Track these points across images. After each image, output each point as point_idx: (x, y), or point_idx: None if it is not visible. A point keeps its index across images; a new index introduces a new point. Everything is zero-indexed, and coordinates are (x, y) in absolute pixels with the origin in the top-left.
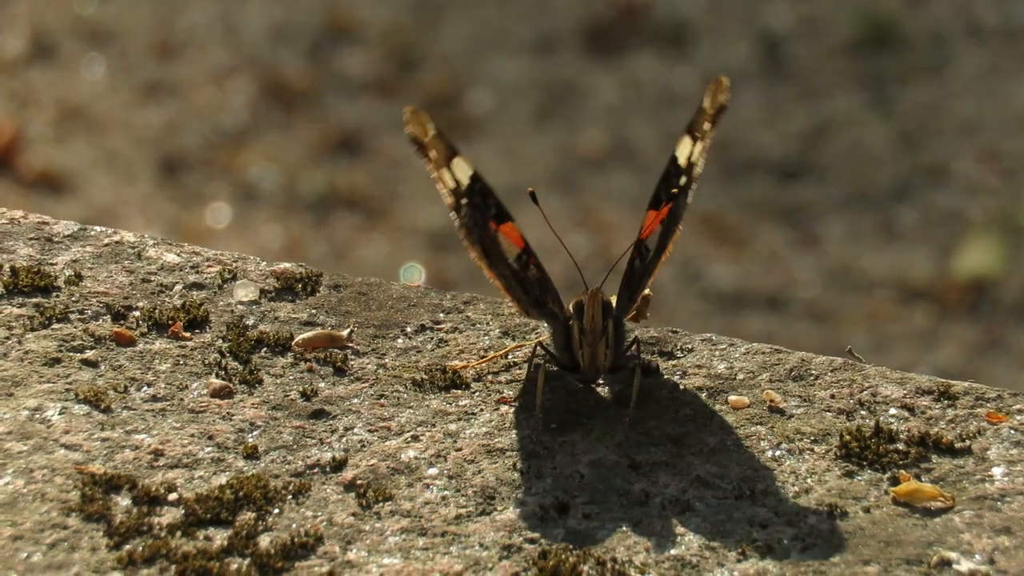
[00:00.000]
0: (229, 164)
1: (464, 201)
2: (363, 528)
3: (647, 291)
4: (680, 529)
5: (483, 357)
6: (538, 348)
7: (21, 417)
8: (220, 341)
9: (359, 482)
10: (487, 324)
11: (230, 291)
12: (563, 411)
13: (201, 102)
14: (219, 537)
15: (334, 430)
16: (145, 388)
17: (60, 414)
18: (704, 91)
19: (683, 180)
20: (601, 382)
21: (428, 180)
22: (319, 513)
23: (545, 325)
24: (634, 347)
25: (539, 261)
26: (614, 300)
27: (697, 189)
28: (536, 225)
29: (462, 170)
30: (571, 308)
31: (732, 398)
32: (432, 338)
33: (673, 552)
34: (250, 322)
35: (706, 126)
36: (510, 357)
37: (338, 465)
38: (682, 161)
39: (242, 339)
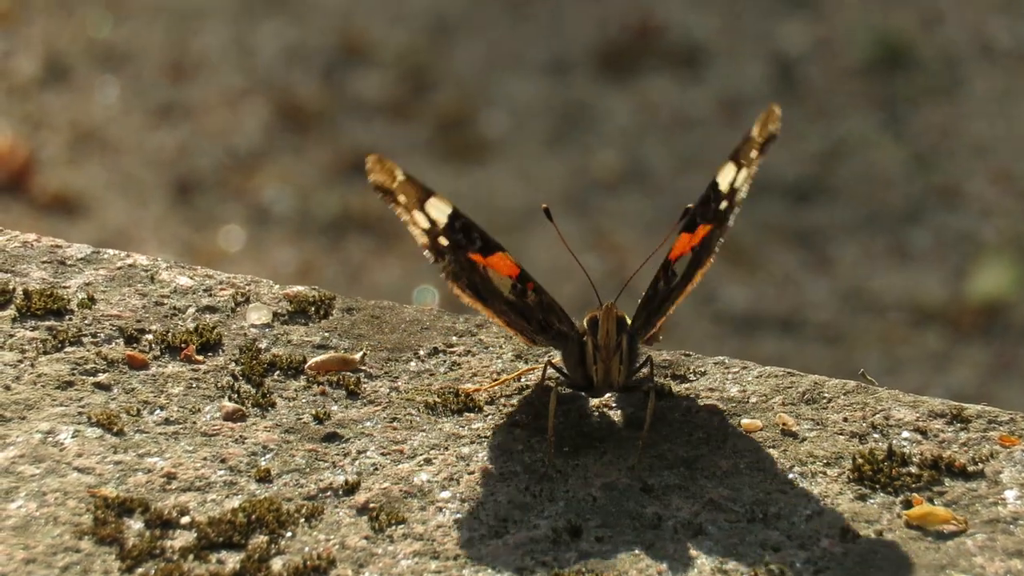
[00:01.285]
0: (242, 187)
1: (442, 241)
2: (375, 551)
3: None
4: (693, 552)
5: (495, 380)
6: (549, 369)
7: (34, 440)
8: (233, 364)
9: (372, 505)
10: (500, 347)
11: (243, 314)
12: (575, 434)
13: (215, 124)
14: (231, 560)
15: (347, 453)
16: (158, 411)
17: (73, 437)
18: (755, 120)
19: (723, 204)
20: (613, 405)
21: None
22: (332, 536)
23: (554, 350)
24: (647, 367)
25: (538, 284)
26: (628, 317)
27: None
28: (547, 246)
29: (439, 209)
30: (585, 324)
31: (745, 421)
32: (445, 361)
33: (686, 575)
34: (263, 345)
35: (753, 154)
36: (523, 380)
37: (351, 488)
38: (723, 187)
39: (255, 362)
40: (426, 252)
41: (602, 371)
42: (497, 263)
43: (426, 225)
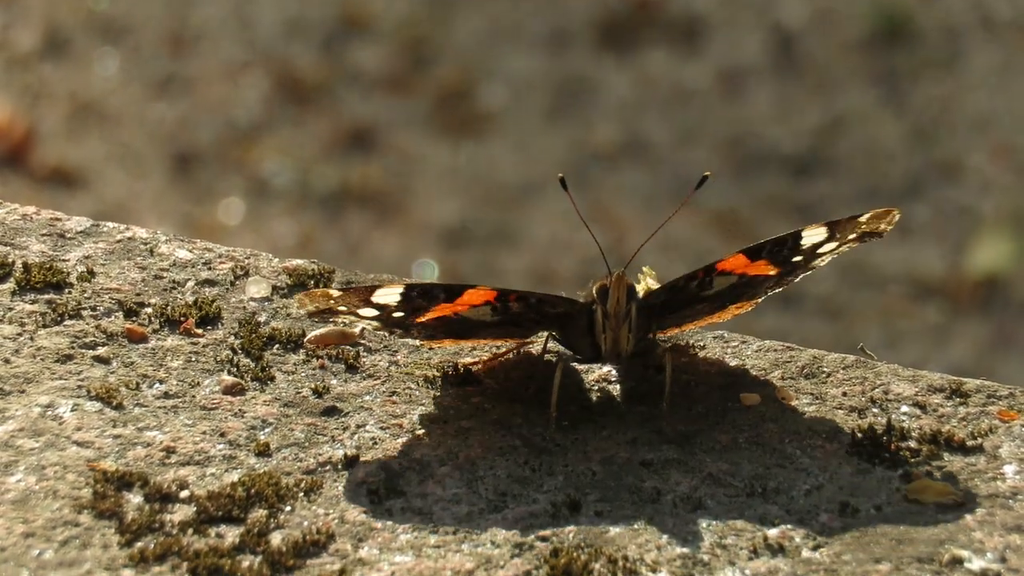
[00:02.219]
0: (242, 159)
1: (397, 315)
2: (375, 526)
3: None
4: (692, 527)
5: (494, 354)
6: (552, 341)
7: (33, 414)
8: (232, 338)
9: (371, 479)
10: None
11: (242, 287)
12: (574, 408)
13: (214, 97)
14: (231, 534)
15: (346, 427)
16: (157, 385)
17: (72, 411)
18: (870, 214)
19: (797, 258)
20: (612, 379)
21: (442, 176)
22: (331, 511)
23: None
24: (652, 334)
25: (520, 292)
26: (643, 285)
27: (706, 186)
28: (545, 220)
29: (387, 296)
30: (594, 292)
31: (744, 395)
32: None
33: (684, 550)
34: (262, 319)
35: (851, 235)
36: (522, 352)
37: (350, 462)
38: (806, 243)
39: (254, 336)
40: (384, 332)
41: (611, 339)
42: (469, 299)
43: (374, 314)
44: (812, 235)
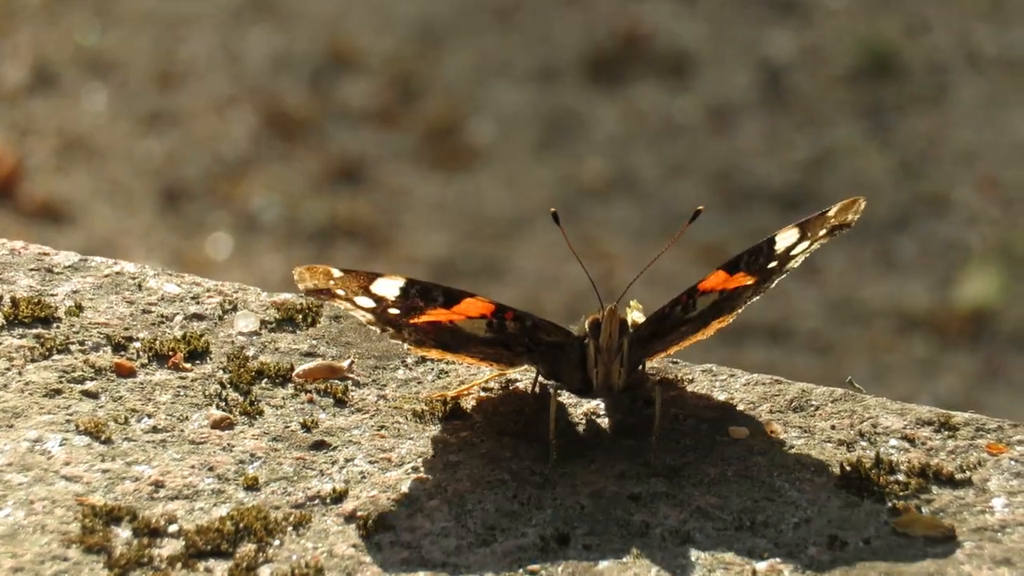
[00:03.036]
0: (230, 194)
1: (392, 312)
2: (363, 560)
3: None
4: (680, 560)
5: (460, 386)
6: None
7: (21, 448)
8: (221, 372)
9: (360, 513)
10: None
11: (231, 322)
12: (563, 442)
13: (202, 132)
14: (219, 569)
15: (335, 461)
16: (146, 419)
17: (60, 445)
18: (838, 205)
19: (772, 264)
20: (601, 412)
21: (430, 210)
22: (320, 545)
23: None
24: (642, 368)
25: (518, 311)
26: (629, 319)
27: (702, 222)
28: (534, 255)
29: (387, 287)
30: (586, 326)
31: (732, 429)
32: (432, 369)
33: None
34: (251, 353)
35: (821, 232)
36: (510, 387)
37: (339, 496)
38: (779, 248)
39: (243, 370)
40: (376, 329)
41: (602, 373)
42: (467, 309)
43: (370, 305)
44: (785, 238)
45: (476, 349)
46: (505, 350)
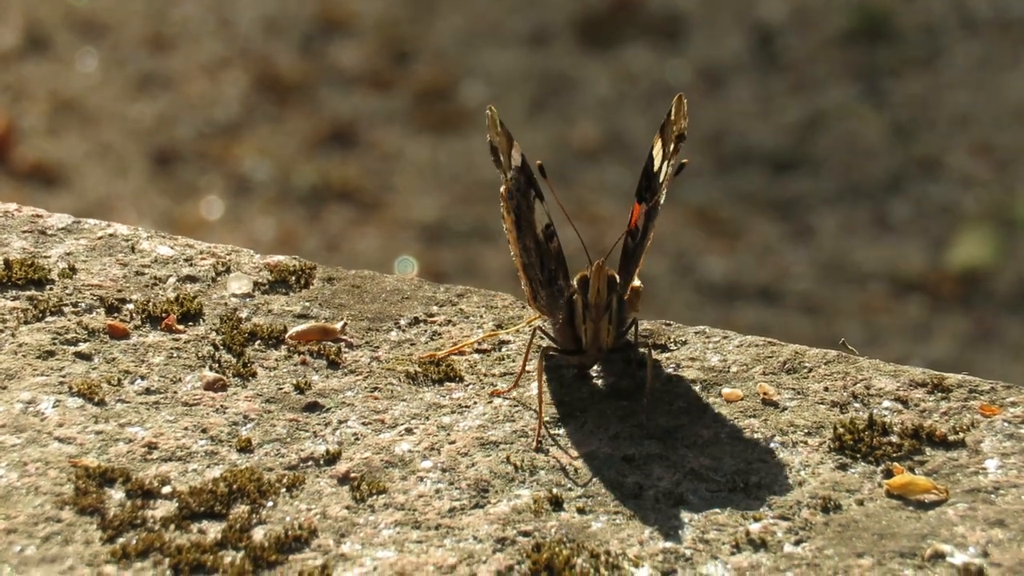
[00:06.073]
0: (222, 157)
1: (515, 157)
2: (357, 521)
3: (638, 283)
4: (674, 522)
5: (454, 345)
6: (538, 333)
7: (15, 410)
8: (214, 334)
9: (353, 475)
10: (480, 317)
11: (224, 284)
12: (557, 404)
13: (194, 95)
14: (213, 530)
15: (328, 423)
16: (139, 381)
17: (54, 407)
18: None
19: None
20: (594, 375)
21: (422, 173)
22: (313, 506)
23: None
24: (632, 328)
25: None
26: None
27: (687, 183)
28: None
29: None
30: (575, 283)
31: (726, 391)
32: (426, 331)
33: (667, 544)
34: (244, 315)
35: (670, 148)
36: (503, 349)
37: (332, 458)
38: (657, 165)
39: (235, 332)
40: (502, 175)
41: (591, 331)
42: (537, 210)
43: (518, 162)
44: (656, 152)
45: (529, 244)
46: (539, 270)
